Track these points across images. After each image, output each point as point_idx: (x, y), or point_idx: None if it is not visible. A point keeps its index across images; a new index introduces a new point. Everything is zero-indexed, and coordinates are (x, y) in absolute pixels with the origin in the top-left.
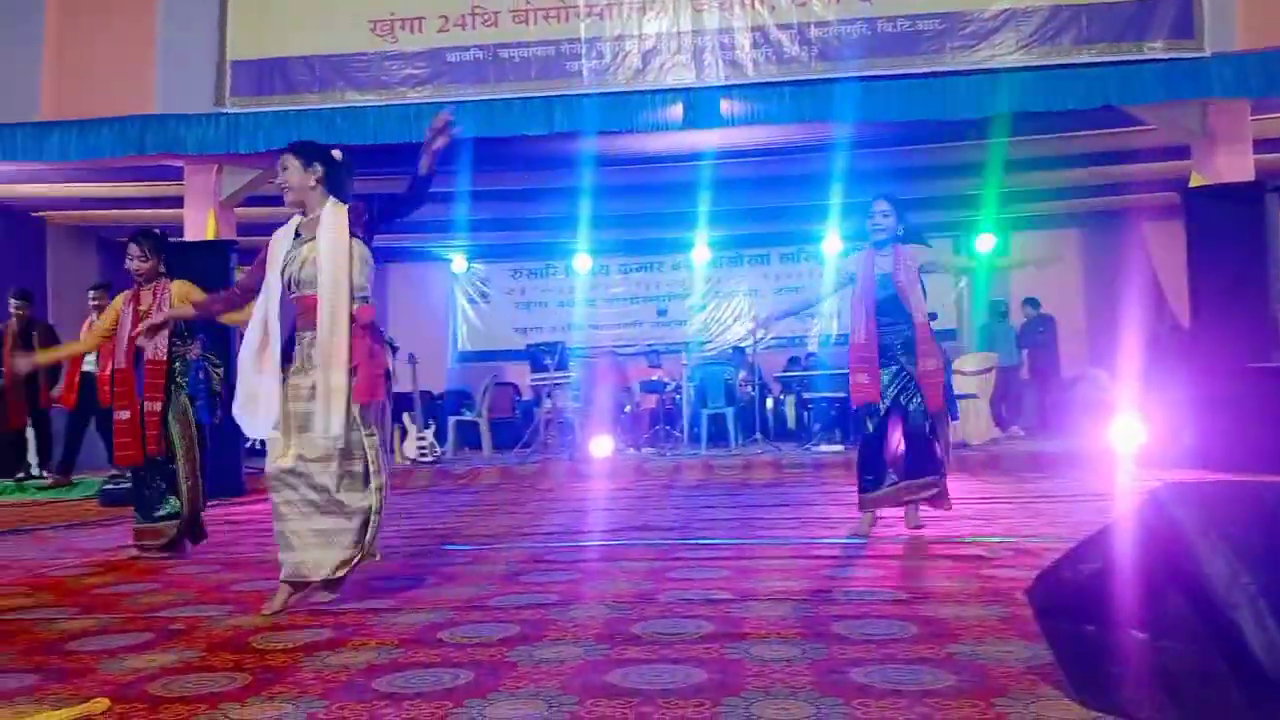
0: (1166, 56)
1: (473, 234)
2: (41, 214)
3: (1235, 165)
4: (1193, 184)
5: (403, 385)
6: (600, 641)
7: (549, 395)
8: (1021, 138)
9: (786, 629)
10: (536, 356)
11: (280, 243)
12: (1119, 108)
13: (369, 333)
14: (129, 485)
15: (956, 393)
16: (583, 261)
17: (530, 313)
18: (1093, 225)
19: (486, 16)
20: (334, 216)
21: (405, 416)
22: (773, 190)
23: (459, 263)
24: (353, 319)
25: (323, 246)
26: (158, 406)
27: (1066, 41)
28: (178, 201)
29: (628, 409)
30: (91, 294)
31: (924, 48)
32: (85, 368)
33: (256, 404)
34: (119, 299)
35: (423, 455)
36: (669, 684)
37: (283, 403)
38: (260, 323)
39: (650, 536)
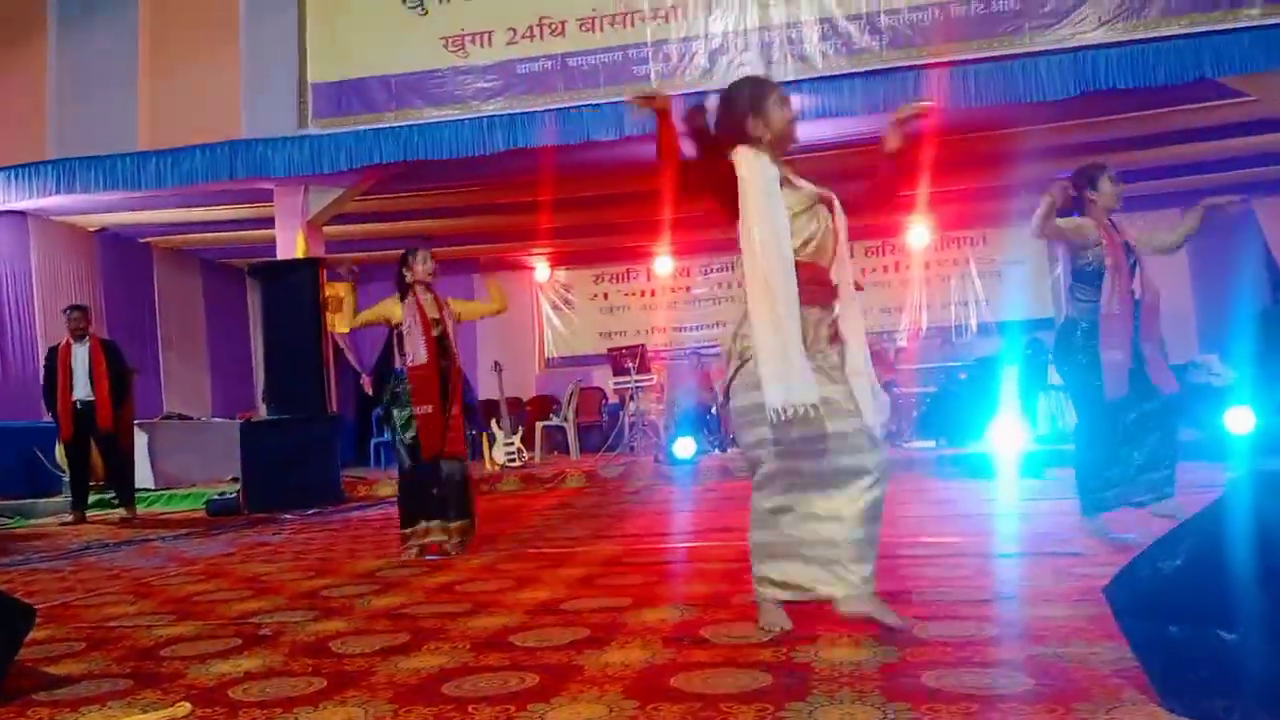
0: (1265, 23)
1: (555, 241)
2: (147, 240)
3: None
4: None
5: (489, 393)
6: (668, 645)
7: (632, 398)
8: (1113, 117)
9: (859, 630)
10: (618, 361)
11: (765, 172)
12: (1215, 80)
13: None
14: (234, 496)
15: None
16: (664, 264)
17: (614, 317)
18: (1196, 204)
19: (554, 26)
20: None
21: (493, 423)
22: (851, 182)
23: (542, 270)
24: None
25: (839, 215)
26: (456, 409)
27: (1153, 13)
28: (270, 222)
29: (714, 409)
30: (72, 314)
31: (1001, 29)
32: (76, 395)
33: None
34: (390, 302)
35: (510, 460)
36: (733, 688)
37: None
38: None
39: (731, 539)
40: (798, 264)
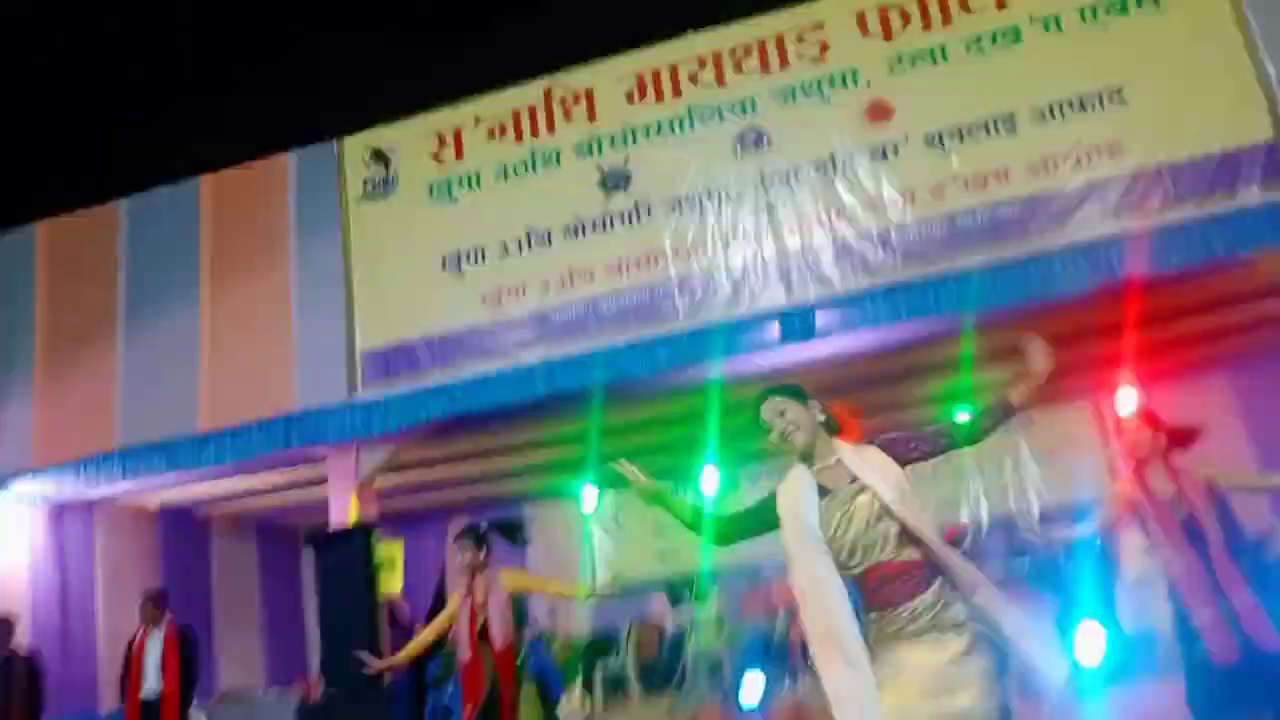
0: (1265, 201)
1: (601, 466)
2: (205, 513)
3: None
4: None
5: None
6: None
7: (693, 630)
8: (1138, 296)
9: None
10: (674, 588)
11: (798, 504)
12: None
13: None
14: None
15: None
16: (711, 478)
17: (667, 538)
18: (1244, 366)
19: (582, 274)
20: (862, 450)
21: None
22: (887, 385)
23: (589, 500)
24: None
25: (884, 490)
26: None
27: (1155, 203)
28: (322, 482)
29: (779, 630)
30: (146, 603)
31: (1007, 233)
32: (145, 695)
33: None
34: (454, 598)
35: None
36: None
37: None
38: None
39: None
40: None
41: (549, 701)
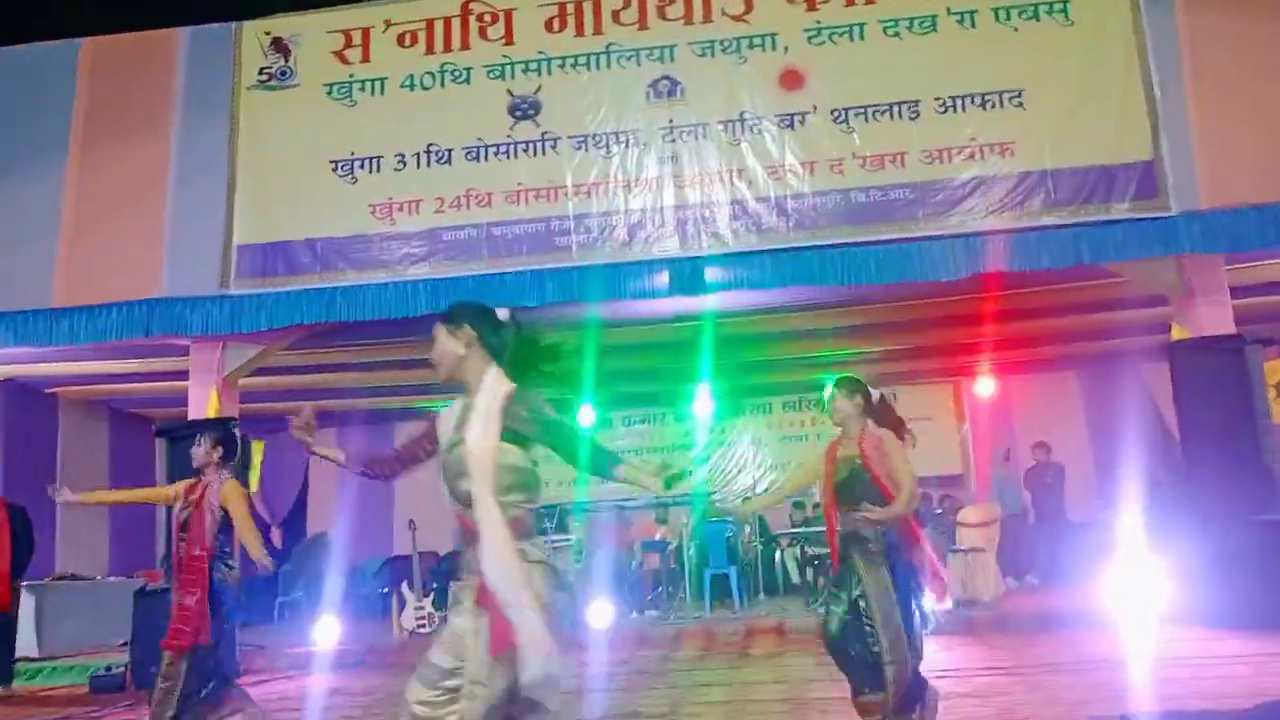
0: (1133, 216)
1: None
2: (53, 390)
3: (1215, 317)
4: (1174, 337)
5: (402, 550)
6: None
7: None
8: (1008, 291)
9: None
10: (535, 519)
11: (443, 429)
12: (1094, 264)
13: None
14: (120, 671)
15: (961, 546)
16: (586, 415)
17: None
18: (1092, 368)
19: (480, 197)
20: (490, 399)
21: (403, 585)
22: (768, 344)
23: None
24: None
25: (470, 447)
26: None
27: (1035, 205)
28: (183, 374)
29: (633, 565)
30: None
31: (897, 215)
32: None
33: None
34: (179, 484)
35: (421, 626)
36: None
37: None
38: None
39: None
40: None
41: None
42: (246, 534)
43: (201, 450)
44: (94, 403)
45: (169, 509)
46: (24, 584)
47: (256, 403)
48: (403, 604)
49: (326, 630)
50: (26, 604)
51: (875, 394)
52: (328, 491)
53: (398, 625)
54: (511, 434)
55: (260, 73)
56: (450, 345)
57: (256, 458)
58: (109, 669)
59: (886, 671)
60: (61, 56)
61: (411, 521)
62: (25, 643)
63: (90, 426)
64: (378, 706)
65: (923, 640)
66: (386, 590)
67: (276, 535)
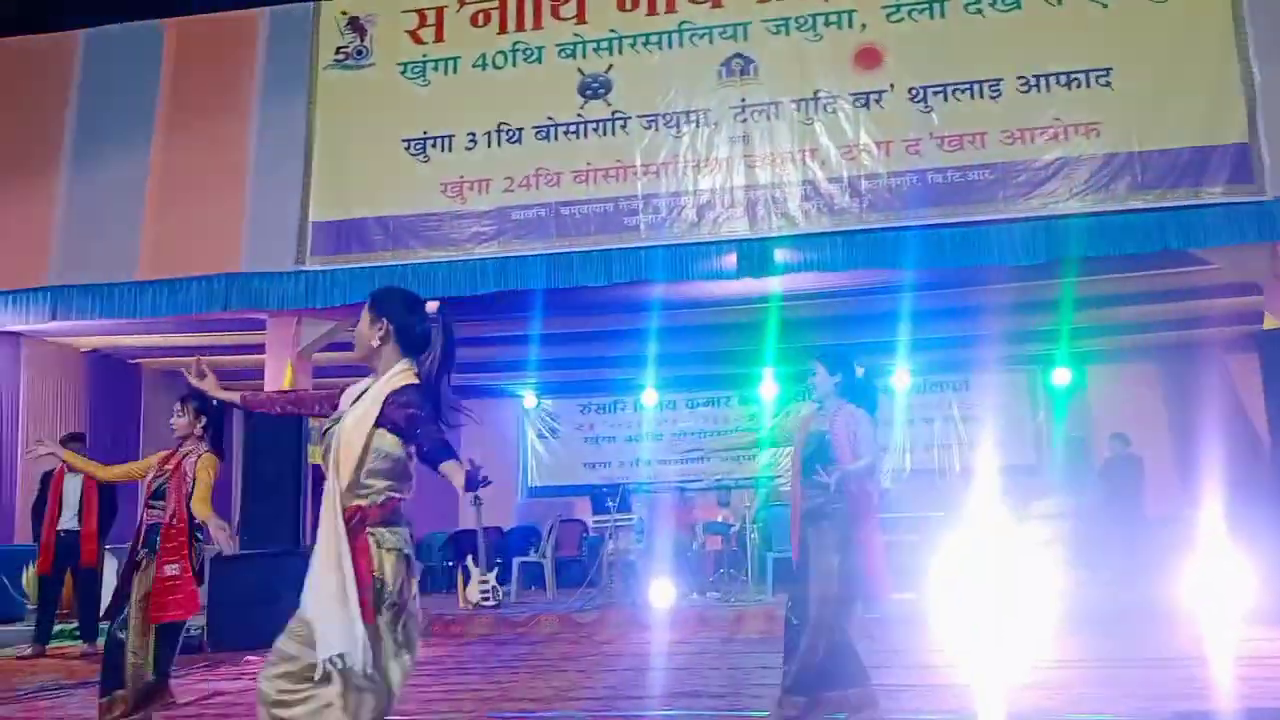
0: (1226, 200)
1: (542, 371)
2: (136, 360)
3: None
4: (1266, 326)
5: (469, 523)
6: None
7: (611, 536)
8: (1088, 277)
9: None
10: (598, 498)
11: (343, 402)
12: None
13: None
14: (198, 633)
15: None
16: (650, 397)
17: (599, 448)
18: (1173, 358)
19: (549, 177)
20: (381, 387)
21: (469, 559)
22: (836, 328)
23: (529, 399)
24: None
25: (344, 426)
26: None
27: (1121, 189)
28: (260, 348)
29: (694, 546)
30: (70, 444)
31: (975, 197)
32: (62, 526)
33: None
34: (160, 454)
35: (485, 600)
36: None
37: None
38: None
39: (698, 706)
40: None
41: None
42: (198, 503)
43: (185, 420)
44: (175, 374)
45: None
46: (106, 547)
47: (330, 378)
48: (468, 577)
49: None
50: (110, 566)
51: (859, 370)
52: None
53: (463, 598)
54: (390, 423)
55: (337, 52)
56: (368, 332)
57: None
58: (187, 631)
59: (801, 640)
60: (147, 37)
61: (476, 497)
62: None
63: (171, 397)
64: (446, 674)
65: (856, 621)
66: (451, 563)
67: None
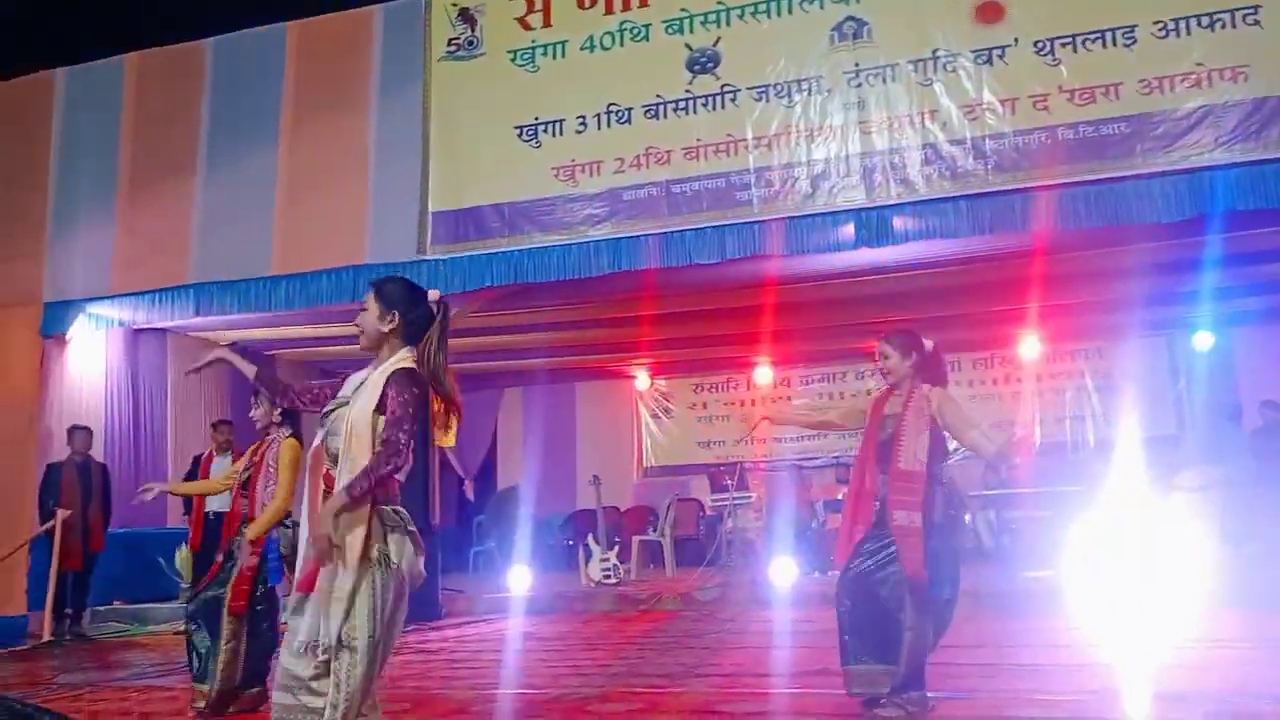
0: None
1: (655, 351)
2: (272, 353)
3: None
4: None
5: (587, 504)
6: None
7: (730, 515)
8: (1233, 233)
9: None
10: (715, 477)
11: (345, 388)
12: None
13: None
14: None
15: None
16: (764, 374)
17: (713, 426)
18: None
19: (659, 155)
20: (383, 373)
21: (589, 538)
22: (960, 298)
23: (642, 379)
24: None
25: (352, 411)
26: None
27: (1273, 135)
28: None
29: (814, 524)
30: (219, 428)
31: (1111, 152)
32: (210, 507)
33: None
34: (250, 449)
35: (607, 578)
36: None
37: None
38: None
39: (830, 685)
40: None
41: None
42: (280, 492)
43: (260, 410)
44: (308, 364)
45: None
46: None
47: (451, 364)
48: (589, 555)
49: (519, 578)
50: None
51: (928, 344)
52: (515, 447)
53: (585, 576)
54: (385, 409)
55: (449, 44)
56: (376, 323)
57: (455, 420)
58: None
59: (904, 638)
60: (272, 40)
61: (596, 477)
62: None
63: None
64: (572, 651)
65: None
66: (571, 542)
67: (469, 488)
